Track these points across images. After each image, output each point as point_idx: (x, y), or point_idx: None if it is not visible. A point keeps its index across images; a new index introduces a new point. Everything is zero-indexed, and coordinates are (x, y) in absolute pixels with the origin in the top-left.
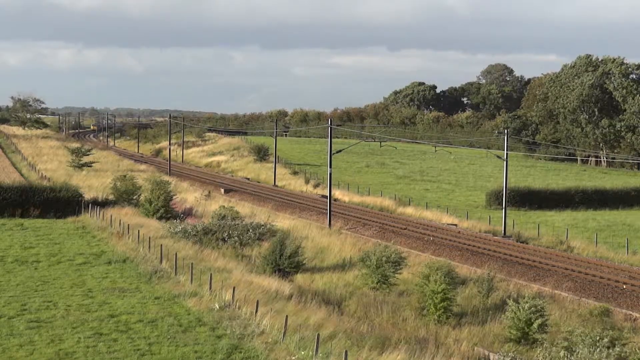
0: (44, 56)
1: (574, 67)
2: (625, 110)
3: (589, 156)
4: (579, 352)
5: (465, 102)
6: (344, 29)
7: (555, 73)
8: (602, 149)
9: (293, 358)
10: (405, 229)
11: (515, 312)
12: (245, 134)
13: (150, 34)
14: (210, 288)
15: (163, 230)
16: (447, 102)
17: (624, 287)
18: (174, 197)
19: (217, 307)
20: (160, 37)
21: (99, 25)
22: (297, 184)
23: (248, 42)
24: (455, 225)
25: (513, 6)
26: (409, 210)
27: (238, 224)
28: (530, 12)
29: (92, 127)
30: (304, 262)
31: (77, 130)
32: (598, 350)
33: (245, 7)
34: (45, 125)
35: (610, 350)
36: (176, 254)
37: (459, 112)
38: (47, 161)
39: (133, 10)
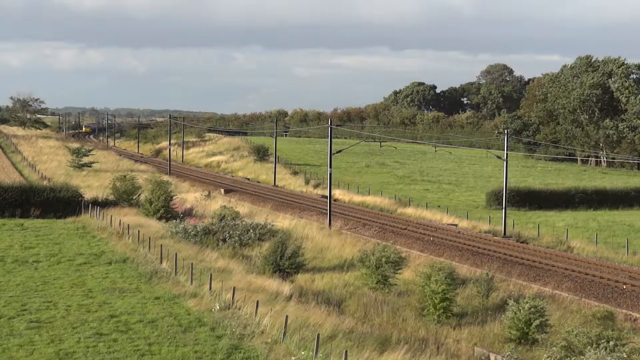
0: (46, 56)
1: (573, 67)
2: (626, 110)
3: (589, 156)
4: (584, 352)
5: (465, 102)
6: (346, 30)
7: (554, 73)
8: (602, 149)
9: (293, 358)
10: (405, 229)
11: (515, 312)
12: (245, 134)
13: (153, 34)
14: (210, 288)
15: (163, 231)
16: (447, 102)
17: (624, 287)
18: (174, 197)
19: (217, 308)
20: (162, 37)
21: (101, 25)
22: (297, 184)
23: (250, 43)
24: (455, 225)
25: (518, 6)
26: (409, 211)
27: (238, 224)
28: (534, 13)
29: (84, 128)
30: (304, 262)
31: (77, 131)
32: (599, 350)
33: (247, 8)
34: (45, 126)
35: (611, 351)
36: (176, 254)
37: (459, 112)
38: (47, 161)
39: (136, 11)
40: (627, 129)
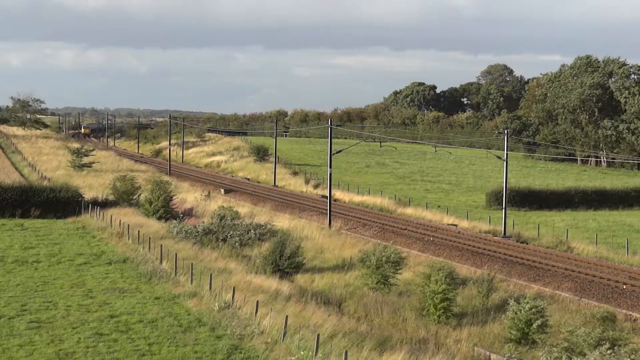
0: (46, 56)
1: (573, 67)
2: (626, 110)
3: (588, 156)
4: (585, 354)
5: (465, 102)
6: (346, 30)
7: (553, 73)
8: (602, 150)
9: (293, 358)
10: (405, 229)
11: (515, 313)
12: (245, 134)
13: (153, 34)
14: (210, 288)
15: (163, 231)
16: (447, 102)
17: (624, 287)
18: (174, 197)
19: (217, 308)
20: (162, 37)
21: (101, 25)
22: (297, 184)
23: (251, 43)
24: (455, 225)
25: (518, 6)
26: (409, 211)
27: (238, 224)
28: (534, 13)
29: (83, 129)
30: (303, 262)
31: (76, 131)
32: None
33: (248, 8)
34: (45, 126)
35: (612, 352)
36: (176, 254)
37: (459, 112)
38: (47, 161)
39: (136, 11)
40: (627, 129)
